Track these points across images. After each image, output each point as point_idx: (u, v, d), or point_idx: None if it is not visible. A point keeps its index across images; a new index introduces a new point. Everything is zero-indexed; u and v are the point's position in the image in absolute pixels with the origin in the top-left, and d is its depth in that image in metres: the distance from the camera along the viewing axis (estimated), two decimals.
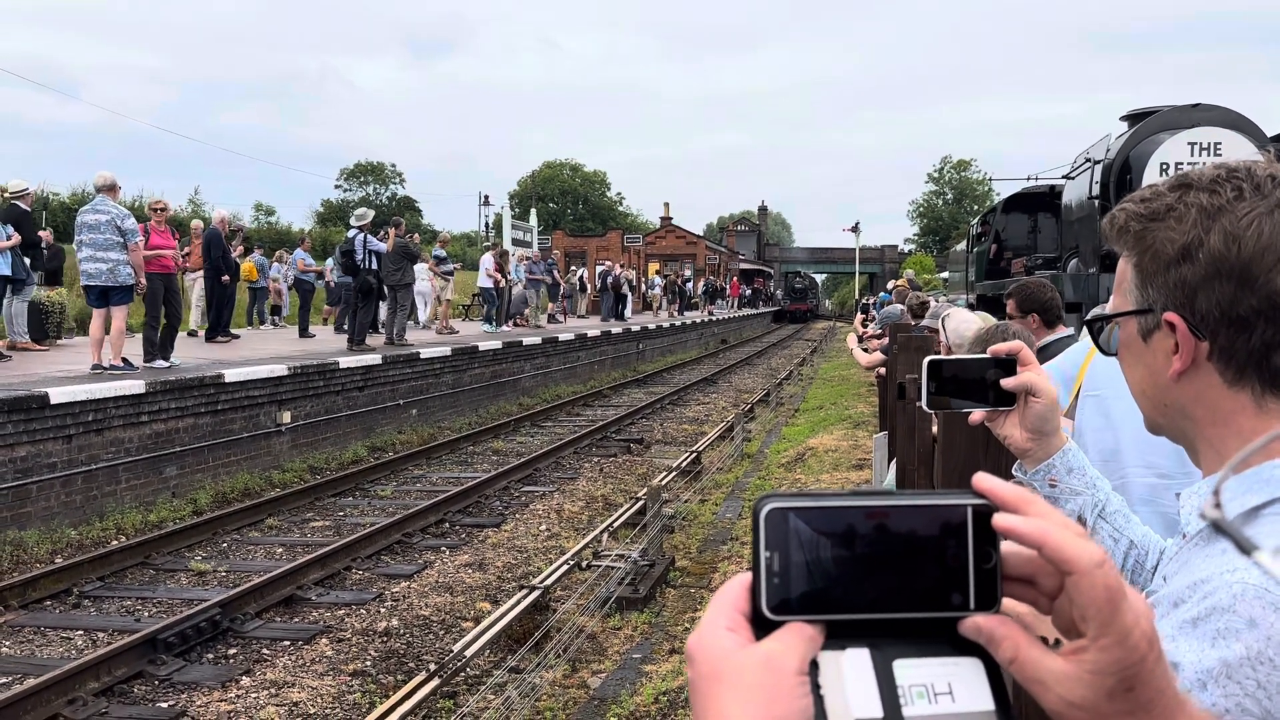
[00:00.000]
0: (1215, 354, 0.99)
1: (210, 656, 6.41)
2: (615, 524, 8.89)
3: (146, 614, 7.12)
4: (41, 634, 6.73)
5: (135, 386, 9.60)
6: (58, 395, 8.72)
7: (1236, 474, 0.95)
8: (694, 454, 12.70)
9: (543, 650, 6.18)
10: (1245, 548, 0.48)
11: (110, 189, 10.44)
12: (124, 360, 10.48)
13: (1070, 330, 4.32)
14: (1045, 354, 3.79)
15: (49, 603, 7.32)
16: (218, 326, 15.79)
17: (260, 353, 13.82)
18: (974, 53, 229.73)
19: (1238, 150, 10.03)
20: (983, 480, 0.58)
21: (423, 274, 21.65)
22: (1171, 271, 1.01)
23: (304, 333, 17.67)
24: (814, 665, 0.56)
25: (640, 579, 7.59)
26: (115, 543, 8.61)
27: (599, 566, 7.63)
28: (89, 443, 9.18)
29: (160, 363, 10.94)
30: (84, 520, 8.99)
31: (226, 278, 15.58)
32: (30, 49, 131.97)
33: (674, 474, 11.38)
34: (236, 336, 16.44)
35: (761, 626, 0.57)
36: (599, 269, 33.95)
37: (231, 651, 6.50)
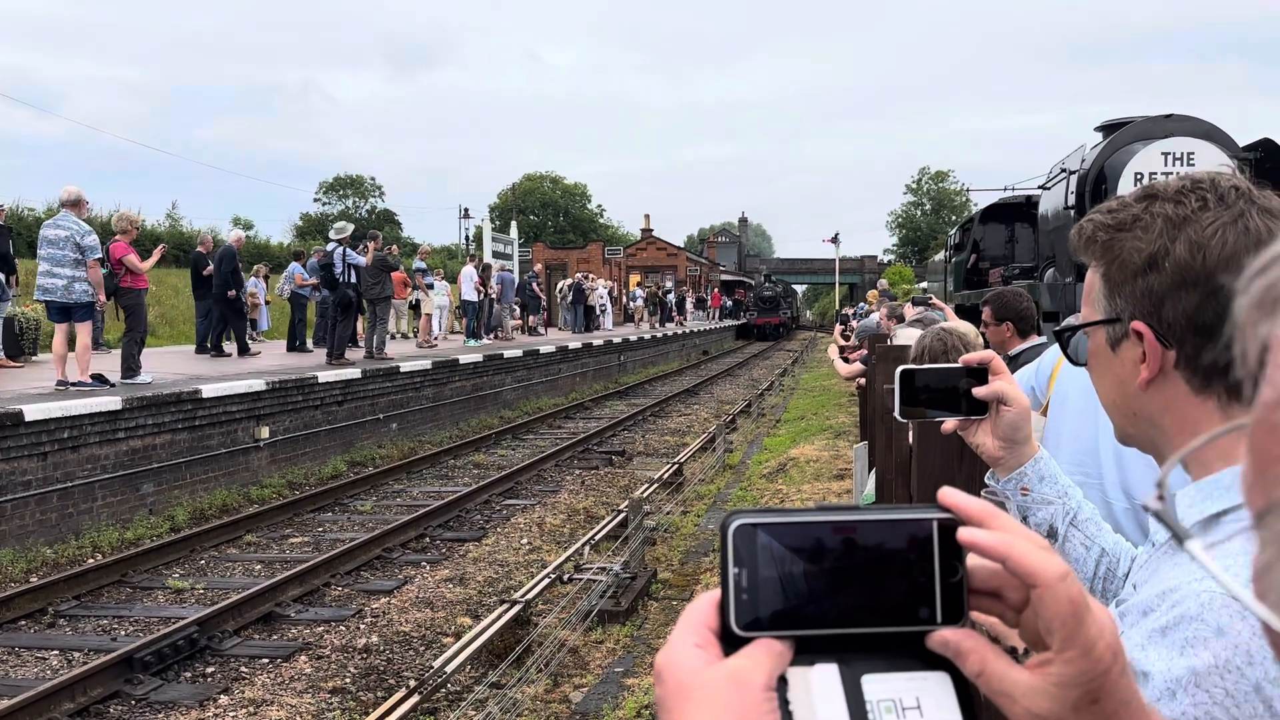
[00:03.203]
0: (1182, 362, 1.00)
1: (188, 675, 6.34)
2: (597, 536, 8.87)
3: (123, 633, 7.04)
4: (16, 654, 6.64)
5: (111, 403, 9.52)
6: (32, 412, 8.63)
7: (1196, 481, 0.96)
8: (676, 465, 12.70)
9: (524, 665, 6.15)
10: (1180, 535, 0.48)
11: (75, 204, 10.29)
12: (93, 377, 10.35)
13: (1042, 339, 4.36)
14: (1017, 363, 3.84)
15: (24, 622, 7.23)
16: (223, 340, 16.05)
17: (240, 368, 13.73)
18: (952, 65, 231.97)
19: (1210, 160, 10.14)
20: (948, 494, 0.58)
21: (441, 291, 21.98)
22: (1138, 281, 1.02)
23: (298, 346, 17.47)
24: (782, 681, 0.55)
25: (622, 592, 7.57)
26: (91, 561, 8.52)
27: (580, 579, 7.60)
28: (64, 460, 9.08)
29: (143, 378, 10.86)
30: (59, 538, 8.89)
31: (233, 292, 15.91)
32: (6, 62, 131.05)
33: (656, 486, 11.36)
34: (227, 355, 16.45)
35: (730, 643, 0.56)
36: (562, 282, 33.72)
37: (209, 670, 6.44)
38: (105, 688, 5.95)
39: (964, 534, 0.57)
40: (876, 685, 0.55)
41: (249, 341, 16.81)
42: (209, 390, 10.82)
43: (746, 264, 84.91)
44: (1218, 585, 0.85)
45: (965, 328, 4.14)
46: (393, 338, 20.38)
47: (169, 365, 13.60)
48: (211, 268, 15.75)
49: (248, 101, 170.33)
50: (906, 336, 4.52)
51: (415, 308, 21.98)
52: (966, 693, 0.56)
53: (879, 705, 0.55)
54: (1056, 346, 3.30)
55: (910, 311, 8.01)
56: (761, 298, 58.85)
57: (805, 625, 0.56)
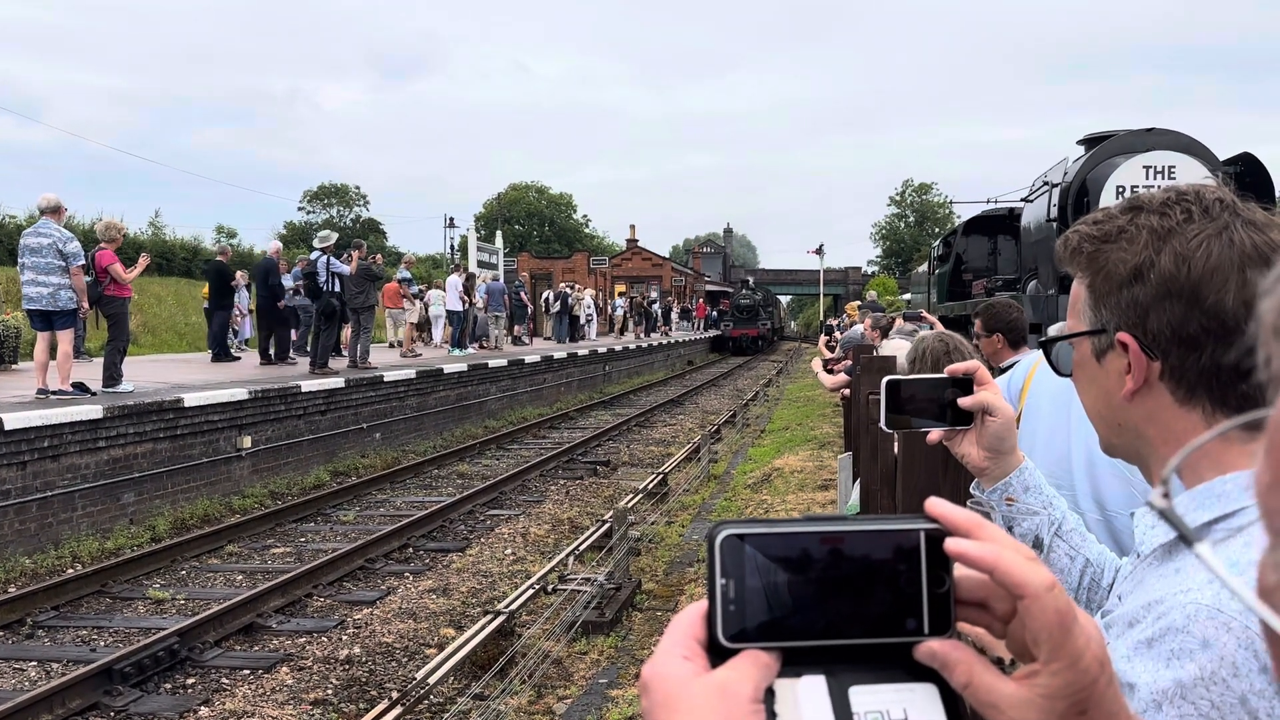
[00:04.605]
0: (1167, 373, 1.01)
1: (168, 687, 6.28)
2: (581, 547, 8.85)
3: (102, 644, 6.97)
4: None
5: (93, 412, 9.44)
6: (12, 421, 8.55)
7: (1188, 489, 0.96)
8: (660, 476, 12.70)
9: (508, 676, 6.13)
10: (1188, 538, 0.48)
11: (54, 211, 10.20)
12: (74, 385, 10.25)
13: (1034, 351, 4.36)
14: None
15: (1, 633, 7.14)
16: (280, 350, 16.16)
17: (220, 377, 13.65)
18: (936, 78, 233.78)
19: (1191, 173, 10.24)
20: (935, 505, 0.58)
21: (436, 300, 21.98)
22: (1124, 292, 1.02)
23: (287, 358, 17.41)
24: (770, 693, 0.55)
25: (606, 602, 7.55)
26: (71, 571, 8.43)
27: (565, 590, 7.58)
28: (44, 469, 9.00)
29: (125, 386, 10.79)
30: (39, 548, 8.80)
31: (282, 302, 16.26)
32: None
33: (640, 496, 11.35)
34: (237, 358, 16.48)
35: (718, 654, 0.56)
36: (547, 292, 33.74)
37: (190, 681, 6.38)
38: (84, 699, 5.88)
39: (951, 544, 0.56)
40: (864, 697, 0.55)
41: (233, 348, 16.87)
42: (191, 399, 10.76)
43: (731, 274, 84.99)
44: (1205, 597, 0.85)
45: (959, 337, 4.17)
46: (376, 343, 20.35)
47: (160, 374, 13.51)
48: (243, 278, 16.17)
49: (232, 109, 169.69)
50: (894, 348, 4.54)
51: None
52: (954, 704, 0.56)
53: (866, 717, 0.54)
54: (1028, 357, 3.32)
55: (899, 325, 8.06)
56: (739, 306, 52.35)
57: (792, 636, 0.56)
